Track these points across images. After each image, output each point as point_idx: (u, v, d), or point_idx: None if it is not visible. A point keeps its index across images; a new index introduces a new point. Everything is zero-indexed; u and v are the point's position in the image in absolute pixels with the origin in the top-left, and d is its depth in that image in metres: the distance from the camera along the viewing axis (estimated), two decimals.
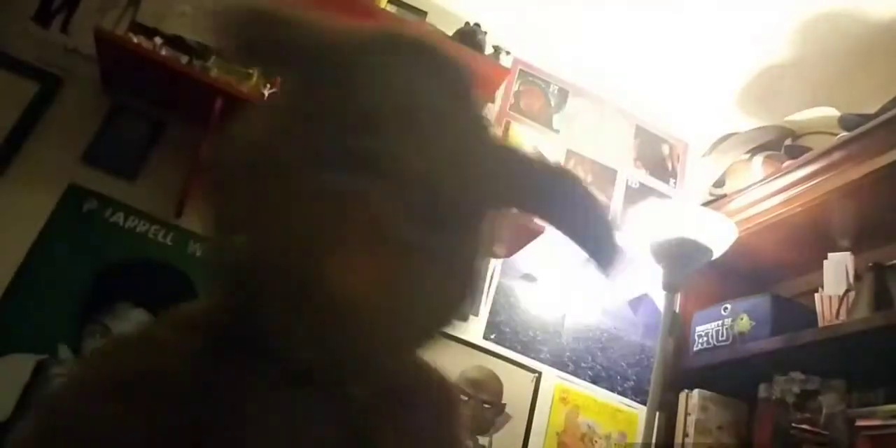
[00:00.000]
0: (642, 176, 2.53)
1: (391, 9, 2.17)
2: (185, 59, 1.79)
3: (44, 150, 1.77)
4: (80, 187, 1.77)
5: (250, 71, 1.89)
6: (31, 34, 1.85)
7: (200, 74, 1.77)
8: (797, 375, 1.70)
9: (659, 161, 2.59)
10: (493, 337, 2.05)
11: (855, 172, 1.80)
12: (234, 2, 0.57)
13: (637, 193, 2.47)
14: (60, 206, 1.71)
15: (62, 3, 1.83)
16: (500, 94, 2.38)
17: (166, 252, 1.79)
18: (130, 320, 1.59)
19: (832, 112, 2.09)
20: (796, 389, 1.68)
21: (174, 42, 1.80)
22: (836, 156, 1.86)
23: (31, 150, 1.76)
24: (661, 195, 2.51)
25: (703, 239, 1.87)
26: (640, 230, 1.96)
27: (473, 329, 2.04)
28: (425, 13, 2.25)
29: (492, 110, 2.37)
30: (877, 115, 1.81)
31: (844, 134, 1.88)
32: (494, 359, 2.02)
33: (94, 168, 1.80)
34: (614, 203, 2.42)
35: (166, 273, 1.73)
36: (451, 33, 2.18)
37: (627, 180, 2.49)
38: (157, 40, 1.77)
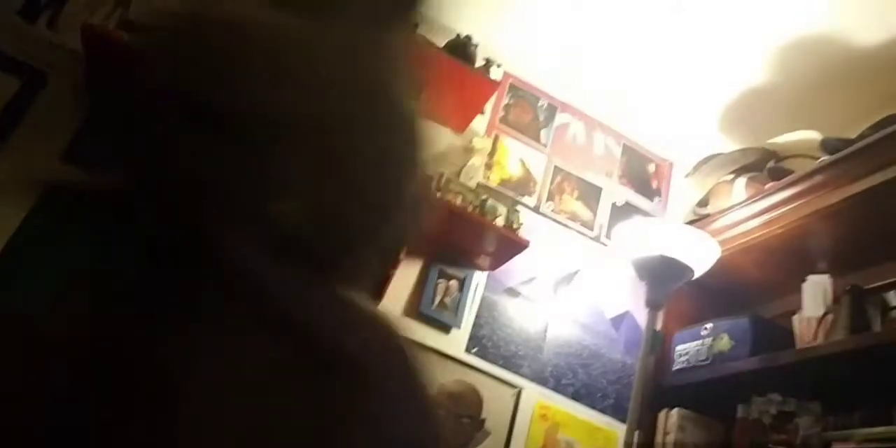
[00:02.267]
0: (628, 194, 2.55)
1: None
2: None
3: (25, 146, 1.73)
4: (59, 186, 1.71)
5: None
6: (17, 29, 1.82)
7: None
8: (774, 397, 1.71)
9: (644, 179, 2.61)
10: (474, 351, 2.04)
11: (835, 196, 1.83)
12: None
13: (622, 211, 2.48)
14: (38, 206, 1.67)
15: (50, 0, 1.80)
16: (489, 106, 2.38)
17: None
18: None
19: (814, 135, 2.12)
20: (773, 411, 1.69)
21: None
22: (817, 179, 1.89)
23: (12, 146, 1.72)
24: (646, 213, 2.52)
25: (686, 258, 1.88)
26: (625, 247, 1.97)
27: (455, 342, 2.03)
28: (416, 25, 2.24)
29: (481, 123, 2.38)
30: (857, 140, 1.84)
31: (825, 158, 1.91)
32: (475, 373, 2.01)
33: (76, 166, 1.75)
34: (600, 218, 2.44)
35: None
36: (441, 45, 2.19)
37: (613, 198, 2.51)
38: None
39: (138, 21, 1.54)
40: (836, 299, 1.82)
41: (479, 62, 2.21)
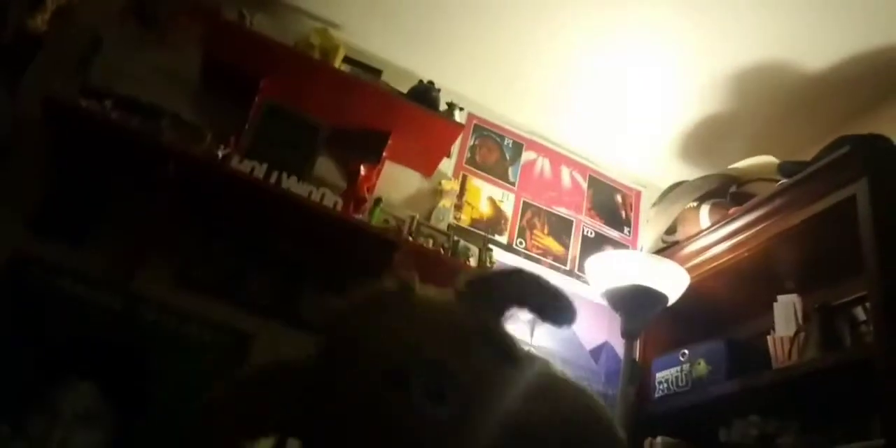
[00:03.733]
0: (597, 225, 2.59)
1: (346, 68, 2.23)
2: (136, 120, 1.79)
3: None
4: (25, 256, 1.72)
5: (203, 131, 1.90)
6: None
7: (151, 137, 1.78)
8: (754, 419, 1.72)
9: (613, 210, 2.65)
10: None
11: (796, 217, 1.87)
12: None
13: (593, 242, 2.52)
14: (2, 277, 1.66)
15: (8, 69, 1.82)
16: (456, 148, 2.43)
17: (116, 319, 1.73)
18: (80, 393, 1.53)
19: (772, 159, 2.19)
20: (754, 432, 1.69)
21: (125, 103, 1.79)
22: (778, 202, 1.93)
23: None
24: (617, 243, 2.56)
25: (658, 286, 1.91)
26: (598, 279, 2.00)
27: None
28: (380, 72, 2.31)
29: (448, 165, 2.42)
30: (812, 162, 1.90)
31: (784, 181, 1.96)
32: None
33: (40, 235, 1.76)
34: (572, 251, 2.47)
35: (113, 345, 1.68)
36: (405, 90, 2.25)
37: (584, 229, 2.55)
38: (108, 103, 1.76)
39: None
40: (807, 317, 1.85)
41: (443, 106, 2.27)
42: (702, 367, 1.91)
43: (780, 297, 1.96)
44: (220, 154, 1.86)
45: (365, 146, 2.21)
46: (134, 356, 1.68)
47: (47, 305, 1.67)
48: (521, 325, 2.22)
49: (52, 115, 1.71)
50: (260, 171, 1.87)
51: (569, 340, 2.05)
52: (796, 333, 1.82)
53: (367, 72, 2.28)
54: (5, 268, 1.67)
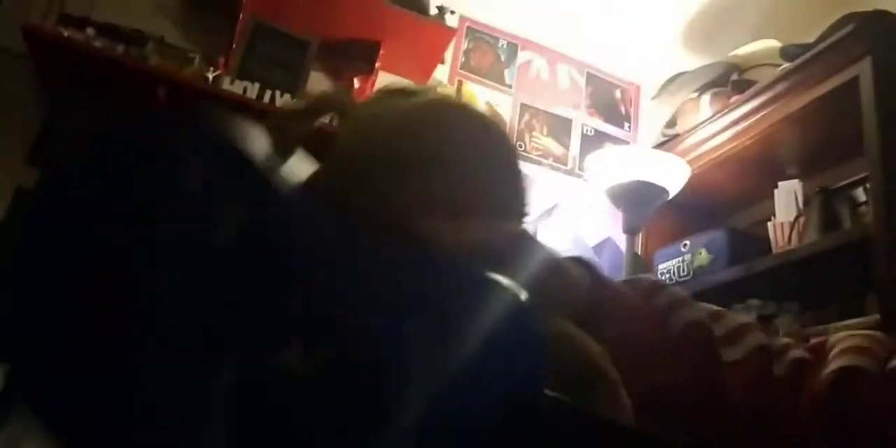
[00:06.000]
0: (597, 123, 2.57)
1: None
2: (120, 47, 1.76)
3: None
4: (28, 191, 1.75)
5: (191, 54, 1.87)
6: None
7: (139, 64, 1.76)
8: (754, 302, 1.78)
9: (612, 106, 2.62)
10: None
11: (798, 102, 1.84)
12: None
13: (593, 141, 2.50)
14: (12, 212, 1.70)
15: None
16: (449, 53, 2.38)
17: None
18: None
19: (774, 44, 2.12)
20: (753, 315, 1.76)
21: (107, 31, 1.76)
22: (780, 87, 1.90)
23: None
24: (617, 140, 2.55)
25: (658, 180, 1.92)
26: (598, 177, 2.01)
27: None
28: None
29: (443, 72, 2.38)
30: (815, 43, 1.84)
31: (787, 65, 1.92)
32: None
33: (41, 169, 1.78)
34: (572, 151, 2.46)
35: None
36: None
37: (583, 128, 2.53)
38: (90, 31, 1.73)
39: None
40: (807, 202, 1.87)
41: (433, 11, 2.20)
42: (703, 256, 1.95)
43: (781, 184, 1.96)
44: (209, 76, 1.84)
45: (356, 58, 2.17)
46: None
47: None
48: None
49: (34, 45, 1.69)
50: (252, 91, 1.85)
51: (571, 238, 2.09)
52: (796, 218, 1.85)
53: None
54: (14, 203, 1.71)
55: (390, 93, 0.64)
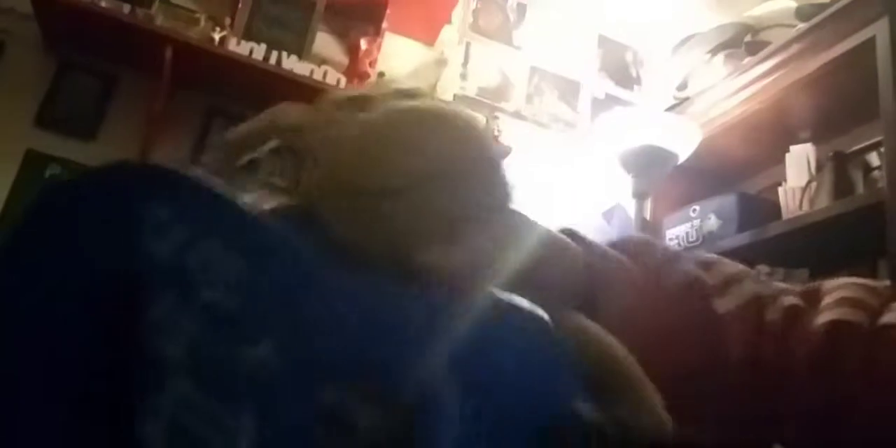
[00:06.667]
0: (608, 86, 2.53)
1: None
2: (127, 7, 1.74)
3: None
4: (39, 153, 1.75)
5: (197, 15, 1.84)
6: None
7: (146, 23, 1.73)
8: (763, 268, 1.77)
9: (623, 69, 2.58)
10: None
11: (813, 64, 1.81)
12: None
13: (603, 104, 2.47)
14: (22, 174, 1.70)
15: None
16: (457, 14, 2.33)
17: None
18: None
19: (789, 3, 2.07)
20: None
21: None
22: (794, 48, 1.86)
23: None
24: (627, 104, 2.51)
25: (668, 144, 1.90)
26: (607, 141, 1.99)
27: None
28: None
29: (451, 32, 2.34)
30: (831, 3, 1.80)
31: (801, 25, 1.87)
32: None
33: (50, 131, 1.77)
34: (582, 115, 2.43)
35: None
36: None
37: (593, 92, 2.49)
38: None
39: None
40: (820, 167, 1.85)
41: None
42: (712, 221, 1.94)
43: (793, 148, 1.94)
44: (216, 37, 1.81)
45: (363, 18, 2.14)
46: None
47: None
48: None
49: (41, 7, 1.67)
50: (259, 52, 1.84)
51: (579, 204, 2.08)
52: (808, 183, 1.83)
53: None
54: (25, 165, 1.71)
55: (343, 104, 0.58)
